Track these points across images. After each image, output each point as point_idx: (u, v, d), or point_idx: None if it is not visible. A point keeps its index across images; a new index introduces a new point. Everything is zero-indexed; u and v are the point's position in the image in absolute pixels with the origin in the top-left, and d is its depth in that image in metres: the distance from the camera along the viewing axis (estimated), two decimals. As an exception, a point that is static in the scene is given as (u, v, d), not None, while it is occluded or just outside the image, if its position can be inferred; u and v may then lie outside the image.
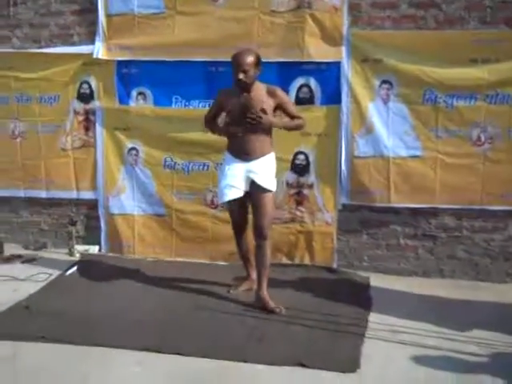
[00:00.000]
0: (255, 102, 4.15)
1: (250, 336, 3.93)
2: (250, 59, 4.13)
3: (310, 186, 5.18)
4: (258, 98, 4.19)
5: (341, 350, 3.71)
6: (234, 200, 4.37)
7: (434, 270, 5.08)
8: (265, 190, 4.26)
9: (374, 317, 4.22)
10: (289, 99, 4.48)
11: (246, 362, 3.60)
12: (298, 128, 4.45)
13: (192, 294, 4.64)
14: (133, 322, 4.13)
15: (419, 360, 3.58)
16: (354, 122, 5.00)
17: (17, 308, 4.39)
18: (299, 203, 5.23)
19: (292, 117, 4.38)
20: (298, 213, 5.23)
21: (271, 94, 4.24)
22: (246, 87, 4.17)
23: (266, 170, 4.29)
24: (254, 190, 4.29)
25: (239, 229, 4.57)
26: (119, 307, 4.39)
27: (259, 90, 4.22)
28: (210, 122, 4.53)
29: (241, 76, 4.10)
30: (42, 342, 3.82)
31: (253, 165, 4.26)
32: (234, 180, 4.30)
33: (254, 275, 4.63)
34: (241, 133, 4.19)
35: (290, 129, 4.43)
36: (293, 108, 4.42)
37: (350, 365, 3.52)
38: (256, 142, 4.23)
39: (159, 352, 3.69)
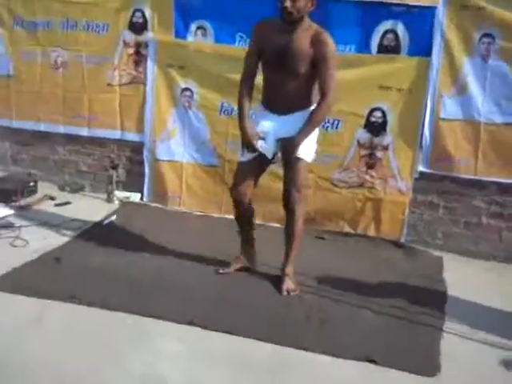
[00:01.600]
0: (293, 47, 3.36)
1: (309, 318, 3.40)
2: None
3: (385, 148, 4.55)
4: (298, 42, 3.37)
5: (416, 346, 3.18)
6: (255, 159, 3.63)
7: (518, 255, 4.46)
8: (297, 158, 3.54)
9: (448, 306, 3.66)
10: (333, 60, 3.37)
11: (305, 349, 3.08)
12: (323, 119, 3.63)
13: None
14: (176, 289, 3.63)
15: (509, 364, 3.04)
16: (444, 78, 4.32)
17: (47, 259, 3.93)
18: (370, 167, 4.61)
19: (320, 86, 3.42)
20: (368, 177, 4.63)
21: (316, 41, 3.35)
22: (290, 20, 3.35)
23: (305, 129, 3.50)
24: (285, 154, 3.58)
25: (241, 194, 3.70)
26: (161, 269, 3.89)
27: (305, 31, 3.38)
28: (243, 92, 3.59)
29: (287, 3, 3.26)
30: (73, 303, 3.35)
31: (287, 121, 3.53)
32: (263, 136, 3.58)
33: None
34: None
35: (317, 126, 3.57)
36: (329, 73, 3.37)
37: (429, 367, 2.99)
38: (294, 95, 3.48)
39: (205, 328, 3.20)
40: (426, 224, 4.63)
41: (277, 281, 3.78)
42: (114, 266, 3.87)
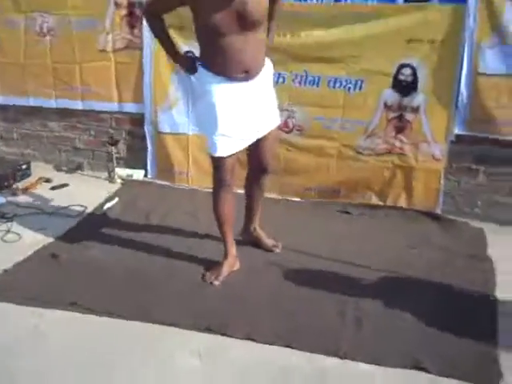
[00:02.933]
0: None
1: (343, 316, 2.93)
2: None
3: (416, 110, 4.02)
4: None
5: (471, 350, 2.69)
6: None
7: None
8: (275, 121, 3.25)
9: (499, 293, 3.17)
10: None
11: (341, 358, 2.64)
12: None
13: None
14: (189, 286, 3.20)
15: None
16: (482, 27, 3.73)
17: (42, 256, 3.49)
18: (400, 131, 4.10)
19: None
20: (398, 143, 4.12)
21: None
22: None
23: (271, 90, 3.15)
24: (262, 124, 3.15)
25: (230, 187, 3.22)
26: (171, 260, 3.46)
27: None
28: (156, 24, 3.07)
29: None
30: (74, 312, 2.93)
31: (255, 86, 2.98)
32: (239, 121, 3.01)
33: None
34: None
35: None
36: None
37: (490, 375, 2.54)
38: (260, 49, 2.96)
39: (224, 335, 2.78)
40: (464, 192, 4.13)
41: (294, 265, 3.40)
42: (118, 260, 3.44)
